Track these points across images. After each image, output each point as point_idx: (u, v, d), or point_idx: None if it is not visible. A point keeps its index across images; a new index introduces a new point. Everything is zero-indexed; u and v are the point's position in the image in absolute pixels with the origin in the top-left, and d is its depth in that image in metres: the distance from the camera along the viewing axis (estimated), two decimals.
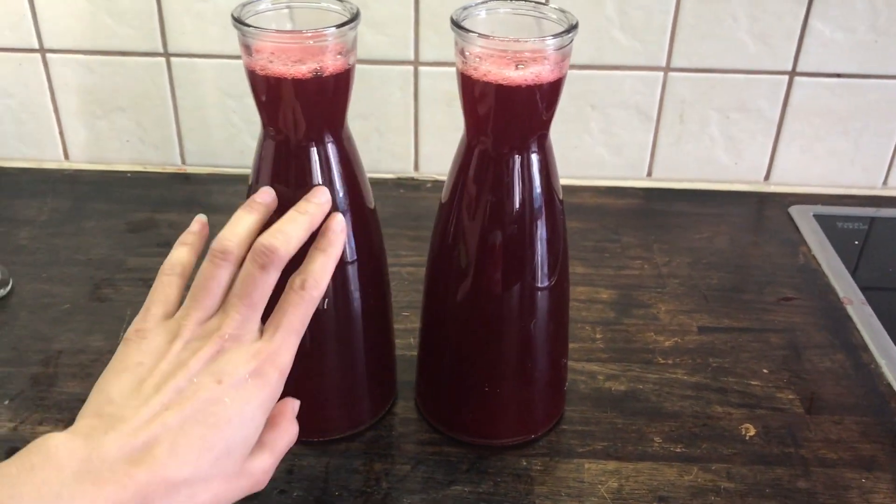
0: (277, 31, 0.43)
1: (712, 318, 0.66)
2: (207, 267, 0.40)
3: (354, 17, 0.44)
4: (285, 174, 0.46)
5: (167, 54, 0.80)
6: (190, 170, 0.86)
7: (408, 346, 0.61)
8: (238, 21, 0.43)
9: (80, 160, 0.86)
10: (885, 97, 0.80)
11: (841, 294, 0.69)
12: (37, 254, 0.72)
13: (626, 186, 0.85)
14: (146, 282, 0.68)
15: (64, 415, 0.55)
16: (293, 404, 0.43)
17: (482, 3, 0.46)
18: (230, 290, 0.40)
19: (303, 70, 0.43)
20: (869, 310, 0.67)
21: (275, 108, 0.45)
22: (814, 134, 0.82)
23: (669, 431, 0.55)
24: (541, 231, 0.48)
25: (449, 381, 0.53)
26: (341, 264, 0.44)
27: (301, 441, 0.53)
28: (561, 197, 0.49)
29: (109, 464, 0.34)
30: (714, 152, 0.84)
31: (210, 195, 0.82)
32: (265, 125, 0.47)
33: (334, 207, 0.45)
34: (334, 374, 0.52)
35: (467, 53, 0.44)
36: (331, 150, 0.47)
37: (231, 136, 0.84)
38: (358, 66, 0.47)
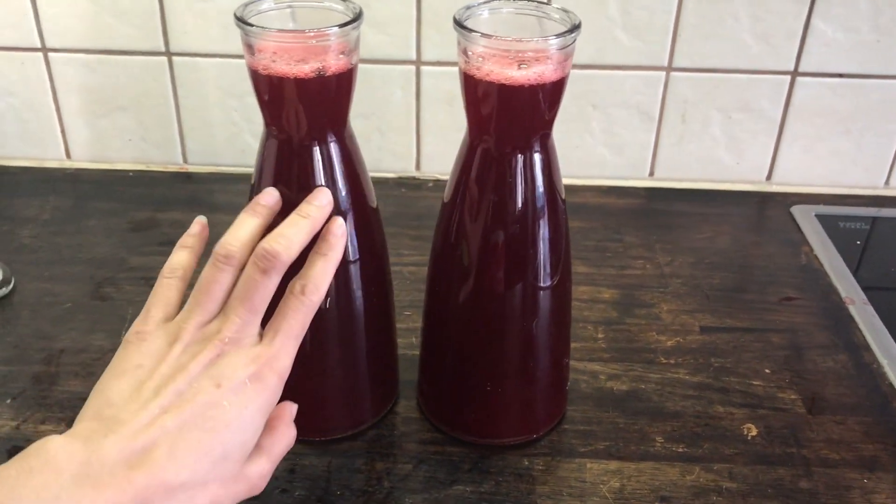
0: (280, 30, 0.43)
1: (714, 318, 0.66)
2: (210, 270, 0.40)
3: (357, 17, 0.44)
4: (288, 173, 0.46)
5: (169, 53, 0.80)
6: (191, 169, 0.86)
7: (409, 346, 0.61)
8: (241, 20, 0.43)
9: (82, 159, 0.86)
10: (887, 97, 0.80)
11: (843, 294, 0.69)
12: (39, 253, 0.72)
13: (628, 186, 0.85)
14: (148, 281, 0.68)
15: (66, 413, 0.55)
16: (291, 408, 0.43)
17: (485, 2, 0.46)
18: (231, 293, 0.40)
19: (305, 69, 0.43)
20: (871, 310, 0.67)
21: (277, 108, 0.45)
22: (816, 134, 0.82)
23: (671, 431, 0.55)
24: (543, 230, 0.48)
25: (451, 380, 0.53)
26: (344, 263, 0.44)
27: (303, 440, 0.53)
28: (563, 196, 0.49)
29: (109, 468, 0.34)
30: (716, 152, 0.83)
31: (212, 194, 0.82)
32: (268, 124, 0.47)
33: (337, 206, 0.45)
34: (336, 374, 0.52)
35: (470, 53, 0.44)
36: (333, 149, 0.47)
37: (232, 136, 0.84)
38: (359, 66, 0.47)
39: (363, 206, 0.49)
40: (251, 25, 0.43)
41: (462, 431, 0.54)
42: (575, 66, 0.43)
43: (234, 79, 0.81)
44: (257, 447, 0.40)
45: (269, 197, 0.44)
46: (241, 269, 0.41)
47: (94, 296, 0.67)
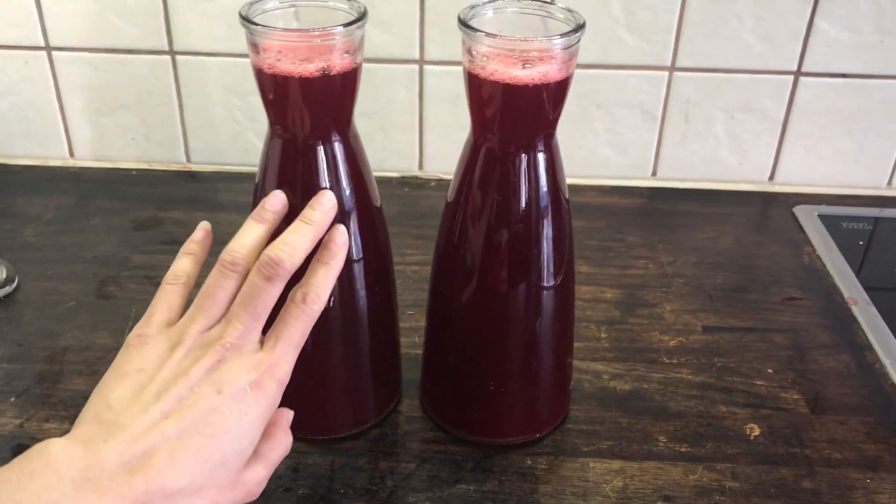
0: (285, 29, 0.43)
1: (717, 318, 0.66)
2: (215, 276, 0.40)
3: (362, 16, 0.44)
4: (292, 173, 0.46)
5: (172, 52, 0.80)
6: (195, 167, 0.86)
7: (413, 345, 0.61)
8: (246, 19, 0.43)
9: (86, 158, 0.87)
10: (889, 97, 0.80)
11: (845, 294, 0.69)
12: (42, 251, 0.72)
13: (631, 186, 0.85)
14: (151, 279, 0.68)
15: (70, 411, 0.56)
16: (287, 415, 0.44)
17: (489, 2, 0.46)
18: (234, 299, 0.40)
19: (310, 69, 0.43)
20: (873, 310, 0.67)
21: (282, 107, 0.45)
22: (818, 134, 0.82)
23: (674, 431, 0.56)
24: (547, 230, 0.48)
25: (454, 379, 0.53)
26: (347, 262, 0.44)
27: (306, 439, 0.53)
28: (567, 196, 0.49)
29: (109, 472, 0.34)
30: (719, 152, 0.84)
31: (215, 193, 0.82)
32: (272, 123, 0.47)
33: (341, 205, 0.45)
34: (340, 372, 0.52)
35: (474, 52, 0.44)
36: (337, 148, 0.47)
37: (236, 134, 0.84)
38: (363, 65, 0.47)
39: (367, 205, 0.49)
40: (256, 24, 0.43)
41: (465, 431, 0.54)
42: (578, 66, 0.43)
43: (238, 78, 0.81)
44: (255, 453, 0.40)
45: (277, 201, 0.44)
46: (246, 275, 0.41)
47: (98, 294, 0.67)
